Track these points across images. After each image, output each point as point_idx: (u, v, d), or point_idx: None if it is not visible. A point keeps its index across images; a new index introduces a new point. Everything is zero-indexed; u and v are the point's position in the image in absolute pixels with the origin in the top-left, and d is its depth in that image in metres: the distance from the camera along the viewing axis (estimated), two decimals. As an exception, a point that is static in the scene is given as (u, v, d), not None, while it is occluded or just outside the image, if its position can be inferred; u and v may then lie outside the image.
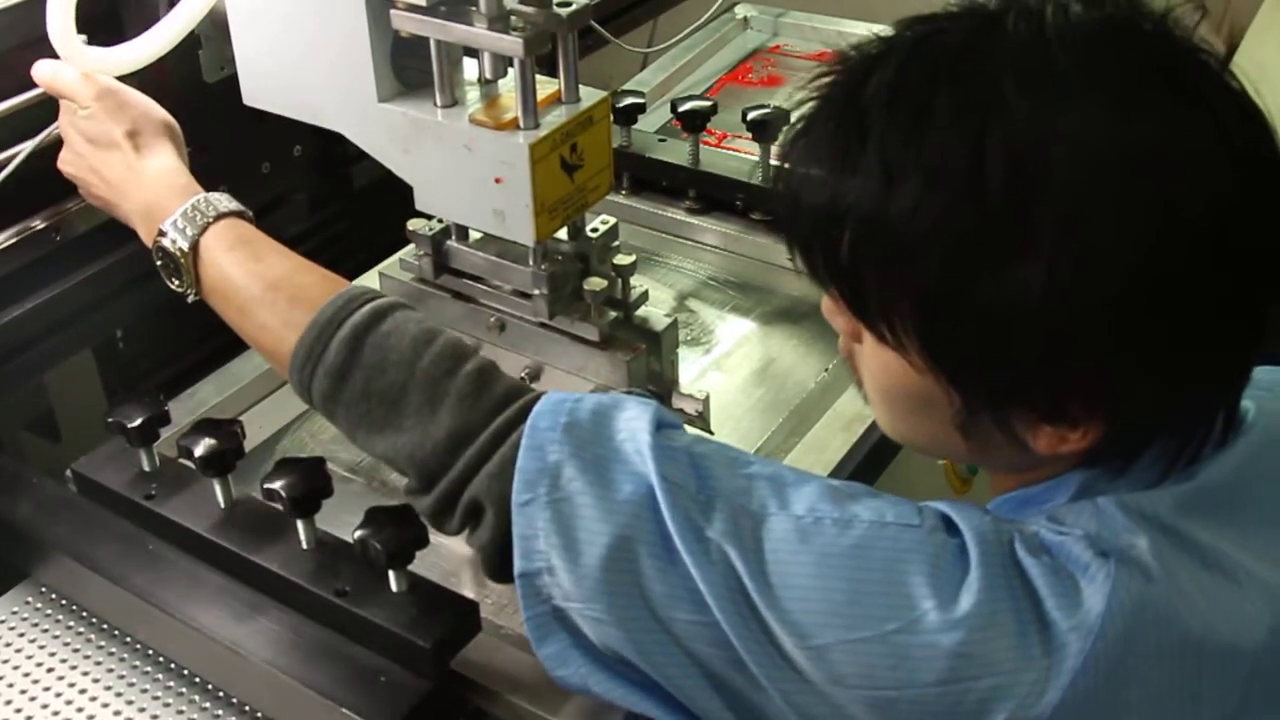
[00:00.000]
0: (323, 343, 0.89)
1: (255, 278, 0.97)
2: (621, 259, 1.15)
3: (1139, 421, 0.72)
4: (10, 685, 1.02)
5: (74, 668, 1.04)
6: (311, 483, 0.97)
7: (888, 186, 0.69)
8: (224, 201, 1.01)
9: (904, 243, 0.69)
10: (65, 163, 1.11)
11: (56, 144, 1.17)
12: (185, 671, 1.03)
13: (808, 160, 0.75)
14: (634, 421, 0.79)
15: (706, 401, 1.17)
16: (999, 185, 0.66)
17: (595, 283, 1.12)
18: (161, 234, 1.00)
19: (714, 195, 1.52)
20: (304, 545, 1.00)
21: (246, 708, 1.00)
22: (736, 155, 1.56)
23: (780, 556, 0.72)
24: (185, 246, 0.99)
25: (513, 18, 0.98)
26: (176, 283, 1.01)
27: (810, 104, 0.76)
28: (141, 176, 1.05)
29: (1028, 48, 0.69)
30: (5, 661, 1.04)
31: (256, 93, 1.14)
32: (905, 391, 0.77)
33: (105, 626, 1.07)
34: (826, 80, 0.76)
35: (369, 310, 0.90)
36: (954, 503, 0.75)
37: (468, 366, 0.87)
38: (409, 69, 1.07)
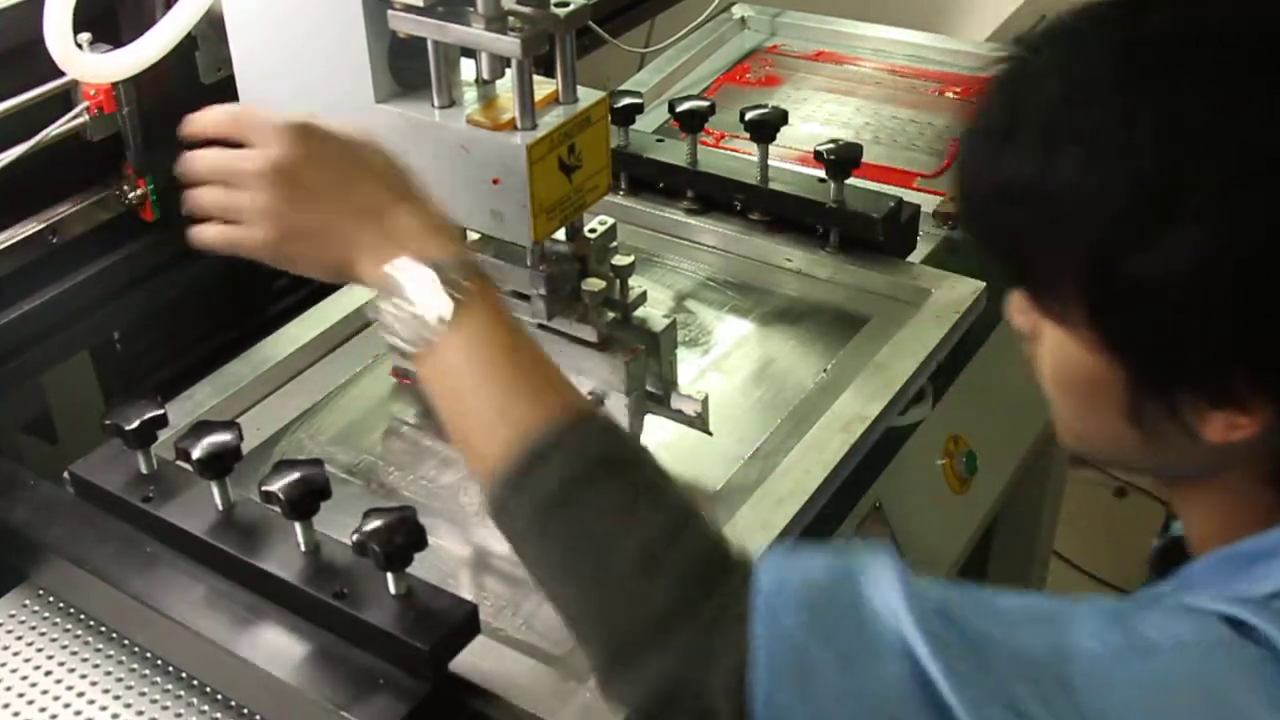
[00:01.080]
0: (542, 468, 0.78)
1: (485, 368, 0.84)
2: (620, 259, 1.14)
3: None
4: (8, 689, 1.02)
5: (72, 671, 1.04)
6: (309, 485, 0.97)
7: (1048, 157, 0.70)
8: (469, 268, 0.87)
9: (1063, 211, 0.70)
10: (259, 223, 0.94)
11: (54, 144, 1.17)
12: (183, 674, 1.03)
13: (977, 142, 0.75)
14: (881, 587, 0.71)
15: (705, 402, 1.17)
16: (1150, 153, 0.67)
17: (593, 283, 1.12)
18: (394, 299, 0.86)
19: (712, 195, 1.52)
20: (302, 547, 0.99)
21: (244, 711, 1.00)
22: (735, 155, 1.56)
23: (1097, 703, 0.66)
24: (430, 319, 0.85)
25: (510, 18, 0.98)
26: (398, 344, 0.87)
27: (983, 91, 0.77)
28: (366, 231, 0.91)
29: (1184, 24, 0.70)
30: (3, 665, 1.04)
31: (254, 93, 1.14)
32: (1078, 377, 0.75)
33: (103, 629, 1.07)
34: (1000, 66, 0.76)
35: (598, 449, 0.80)
36: (1234, 598, 0.70)
37: (693, 538, 0.77)
38: (406, 70, 1.06)
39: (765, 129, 1.45)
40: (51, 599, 1.10)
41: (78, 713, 1.00)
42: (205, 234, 0.97)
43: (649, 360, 1.15)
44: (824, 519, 1.17)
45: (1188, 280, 0.66)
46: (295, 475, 0.97)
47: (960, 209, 0.78)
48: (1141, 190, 0.67)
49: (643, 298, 1.16)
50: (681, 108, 1.50)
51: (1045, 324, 0.76)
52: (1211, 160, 0.66)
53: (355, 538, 0.93)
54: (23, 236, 1.21)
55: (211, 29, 1.19)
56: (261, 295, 1.54)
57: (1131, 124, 0.67)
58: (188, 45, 1.20)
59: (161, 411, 1.06)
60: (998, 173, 0.73)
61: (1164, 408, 0.72)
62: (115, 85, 1.21)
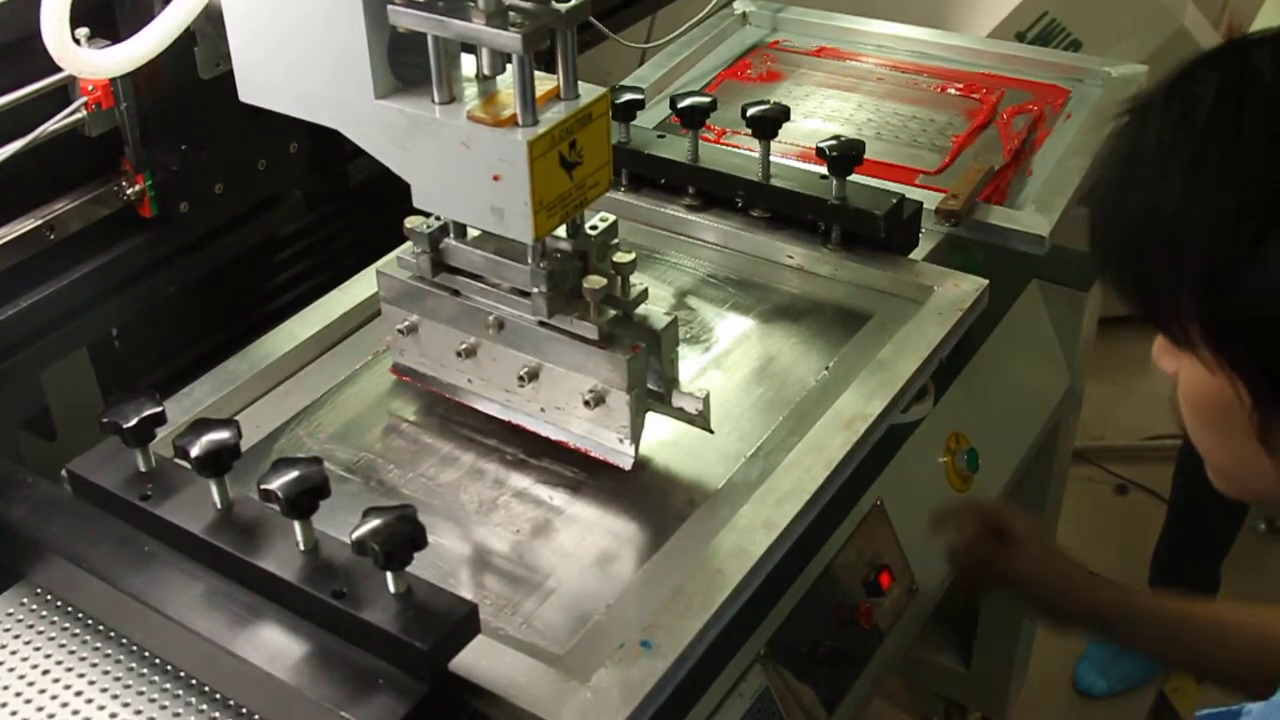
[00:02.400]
0: None
1: None
2: (621, 257, 1.14)
3: None
4: (5, 687, 1.02)
5: (69, 670, 1.03)
6: (308, 483, 0.96)
7: (1160, 182, 0.74)
8: None
9: (1177, 230, 0.74)
10: None
11: (52, 139, 1.16)
12: (181, 674, 1.02)
13: (1104, 185, 0.80)
14: None
15: (706, 400, 1.16)
16: (1253, 166, 0.70)
17: (594, 281, 1.11)
18: None
19: (713, 192, 1.51)
20: (301, 546, 0.99)
21: (243, 710, 0.99)
22: (736, 151, 1.55)
23: None
24: None
25: (511, 13, 0.98)
26: None
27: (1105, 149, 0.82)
28: None
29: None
30: (0, 664, 1.04)
31: (253, 89, 1.13)
32: (1209, 404, 0.78)
33: (101, 628, 1.07)
34: (1117, 122, 0.81)
35: None
36: None
37: None
38: (407, 65, 1.06)
39: (767, 125, 1.44)
40: (49, 597, 1.10)
41: (75, 711, 1.00)
42: None
43: (650, 358, 1.15)
44: (825, 517, 1.17)
45: None
46: (294, 473, 0.96)
47: (1094, 252, 0.82)
48: (1245, 204, 0.71)
49: (644, 295, 1.16)
50: (683, 104, 1.49)
51: (1181, 363, 0.79)
52: None
53: (354, 536, 0.93)
54: (20, 233, 1.21)
55: (210, 24, 1.18)
56: (260, 292, 1.53)
57: (1237, 141, 0.71)
58: (186, 40, 1.19)
59: (160, 409, 1.06)
60: (1121, 206, 0.77)
61: None
62: (113, 81, 1.20)
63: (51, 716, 0.99)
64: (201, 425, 1.03)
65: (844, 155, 1.39)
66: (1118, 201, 0.78)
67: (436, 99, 1.03)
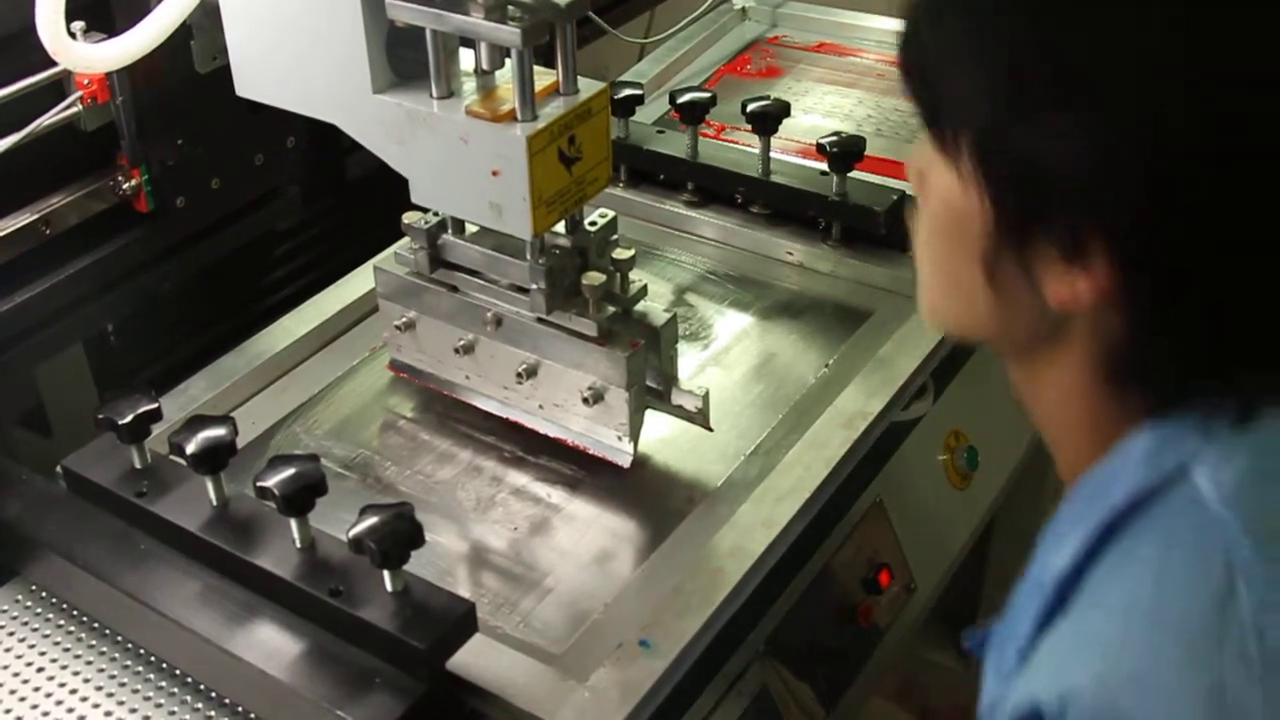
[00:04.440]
0: None
1: None
2: (620, 253, 1.13)
3: (1162, 305, 0.71)
4: (0, 684, 1.01)
5: (64, 667, 1.03)
6: (305, 480, 0.96)
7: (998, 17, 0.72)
8: None
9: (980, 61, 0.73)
10: None
11: (47, 134, 1.16)
12: (177, 671, 1.02)
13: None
14: None
15: (706, 398, 1.16)
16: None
17: (593, 277, 1.11)
18: None
19: (713, 188, 1.50)
20: (297, 544, 0.98)
21: (239, 709, 0.99)
22: (735, 147, 1.55)
23: None
24: None
25: (510, 8, 0.97)
26: None
27: None
28: None
29: None
30: (-6, 661, 1.03)
31: (250, 83, 1.12)
32: (947, 214, 0.77)
33: (96, 625, 1.06)
34: None
35: None
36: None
37: None
38: (405, 59, 1.05)
39: (767, 121, 1.44)
40: (44, 595, 1.09)
41: (70, 709, 0.99)
42: None
43: (649, 355, 1.14)
44: (825, 515, 1.16)
45: (1072, 145, 0.69)
46: (290, 470, 0.96)
47: (902, 43, 0.80)
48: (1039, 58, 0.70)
49: (643, 291, 1.15)
50: (682, 99, 1.49)
51: (935, 169, 0.77)
52: (1103, 54, 0.68)
53: (351, 534, 0.92)
54: (15, 228, 1.20)
55: (207, 18, 1.18)
56: (257, 288, 1.53)
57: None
58: (183, 34, 1.19)
59: (155, 405, 1.05)
60: (936, 28, 0.76)
61: (1018, 260, 0.73)
62: (109, 75, 1.20)
63: (46, 714, 0.99)
64: (197, 422, 1.02)
65: (844, 151, 1.39)
66: (937, 23, 0.76)
67: (435, 94, 1.03)
